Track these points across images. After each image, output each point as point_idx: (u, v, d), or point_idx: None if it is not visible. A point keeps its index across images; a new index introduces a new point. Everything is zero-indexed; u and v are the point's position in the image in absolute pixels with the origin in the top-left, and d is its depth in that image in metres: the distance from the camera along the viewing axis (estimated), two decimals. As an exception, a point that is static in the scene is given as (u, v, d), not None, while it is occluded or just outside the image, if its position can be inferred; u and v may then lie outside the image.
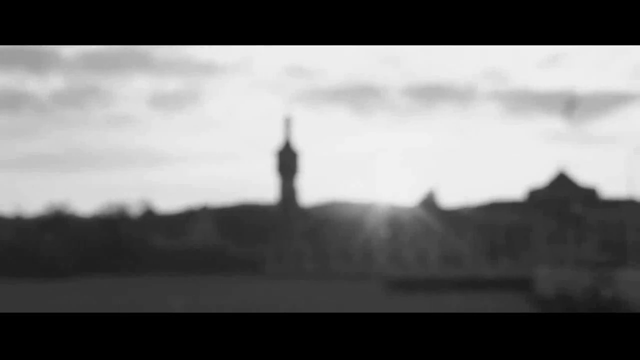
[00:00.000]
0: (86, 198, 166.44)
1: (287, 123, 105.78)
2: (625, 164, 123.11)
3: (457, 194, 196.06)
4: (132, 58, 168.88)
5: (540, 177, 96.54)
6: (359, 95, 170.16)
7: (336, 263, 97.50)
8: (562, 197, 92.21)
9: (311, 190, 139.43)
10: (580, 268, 50.98)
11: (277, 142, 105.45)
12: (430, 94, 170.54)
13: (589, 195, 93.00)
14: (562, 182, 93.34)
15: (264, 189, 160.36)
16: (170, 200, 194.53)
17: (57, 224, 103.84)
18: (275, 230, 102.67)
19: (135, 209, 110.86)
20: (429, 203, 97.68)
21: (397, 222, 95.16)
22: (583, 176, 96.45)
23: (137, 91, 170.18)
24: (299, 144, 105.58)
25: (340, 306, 39.28)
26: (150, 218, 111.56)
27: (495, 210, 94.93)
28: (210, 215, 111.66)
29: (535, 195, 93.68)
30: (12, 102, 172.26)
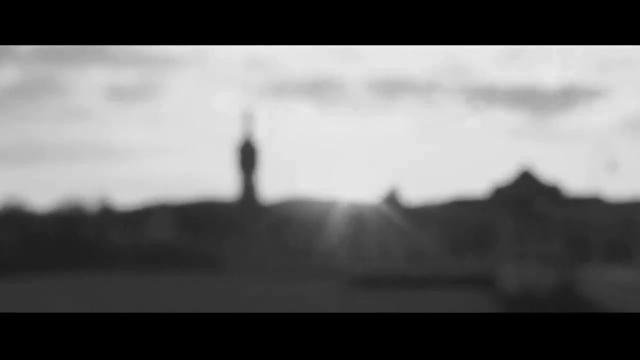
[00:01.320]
0: (42, 193, 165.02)
1: (248, 118, 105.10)
2: (587, 160, 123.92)
3: (420, 191, 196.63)
4: (88, 51, 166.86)
5: (505, 174, 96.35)
6: (321, 90, 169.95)
7: (298, 260, 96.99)
8: (526, 194, 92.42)
9: (272, 186, 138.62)
10: (545, 266, 50.97)
11: (237, 137, 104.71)
12: (392, 89, 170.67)
13: (553, 192, 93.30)
14: (526, 179, 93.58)
15: (223, 184, 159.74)
16: (128, 195, 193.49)
17: (12, 220, 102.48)
18: (236, 226, 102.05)
19: (92, 204, 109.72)
20: (391, 200, 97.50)
21: (359, 218, 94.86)
22: (547, 173, 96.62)
23: (93, 84, 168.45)
24: (260, 139, 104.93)
25: (303, 304, 38.97)
26: (108, 214, 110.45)
27: (459, 207, 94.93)
28: (170, 211, 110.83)
29: (500, 193, 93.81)
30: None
